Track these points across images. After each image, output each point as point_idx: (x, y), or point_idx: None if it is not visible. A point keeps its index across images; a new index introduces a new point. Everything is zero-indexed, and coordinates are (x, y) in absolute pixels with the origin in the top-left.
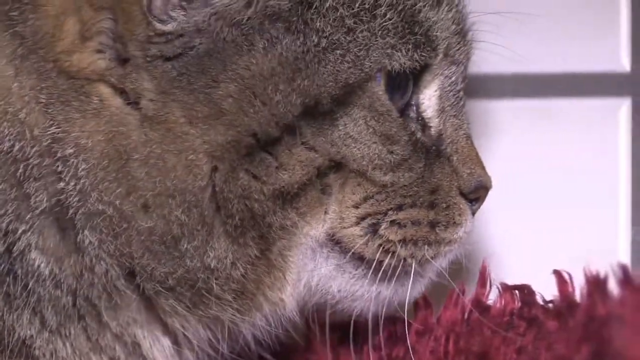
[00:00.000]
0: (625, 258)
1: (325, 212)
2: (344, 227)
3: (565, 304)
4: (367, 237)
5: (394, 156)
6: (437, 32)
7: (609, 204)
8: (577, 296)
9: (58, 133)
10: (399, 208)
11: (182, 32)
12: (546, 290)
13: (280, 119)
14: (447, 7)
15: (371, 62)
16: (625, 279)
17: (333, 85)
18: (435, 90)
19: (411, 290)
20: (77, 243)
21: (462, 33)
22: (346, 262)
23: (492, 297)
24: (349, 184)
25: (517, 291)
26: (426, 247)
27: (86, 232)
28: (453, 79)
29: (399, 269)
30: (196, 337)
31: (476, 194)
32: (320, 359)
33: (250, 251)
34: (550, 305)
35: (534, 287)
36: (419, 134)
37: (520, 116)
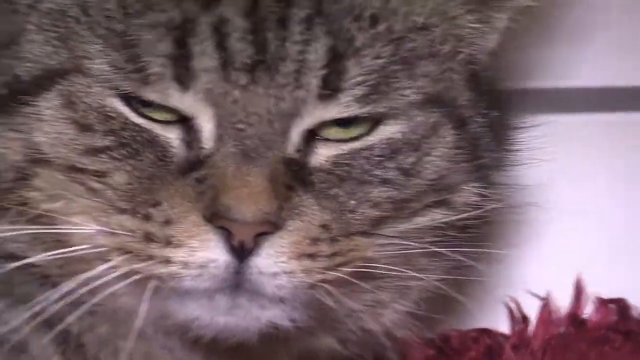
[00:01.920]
0: None
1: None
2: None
3: None
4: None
5: (93, 144)
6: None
7: None
8: None
9: None
10: (119, 213)
11: None
12: None
13: None
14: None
15: (68, 54)
16: None
17: (32, 67)
18: (212, 117)
19: (180, 307)
20: None
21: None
22: None
23: (588, 311)
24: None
25: (612, 305)
26: (150, 262)
27: None
28: (233, 109)
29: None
30: None
31: (218, 222)
32: None
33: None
34: None
35: (630, 301)
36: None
37: (595, 130)
